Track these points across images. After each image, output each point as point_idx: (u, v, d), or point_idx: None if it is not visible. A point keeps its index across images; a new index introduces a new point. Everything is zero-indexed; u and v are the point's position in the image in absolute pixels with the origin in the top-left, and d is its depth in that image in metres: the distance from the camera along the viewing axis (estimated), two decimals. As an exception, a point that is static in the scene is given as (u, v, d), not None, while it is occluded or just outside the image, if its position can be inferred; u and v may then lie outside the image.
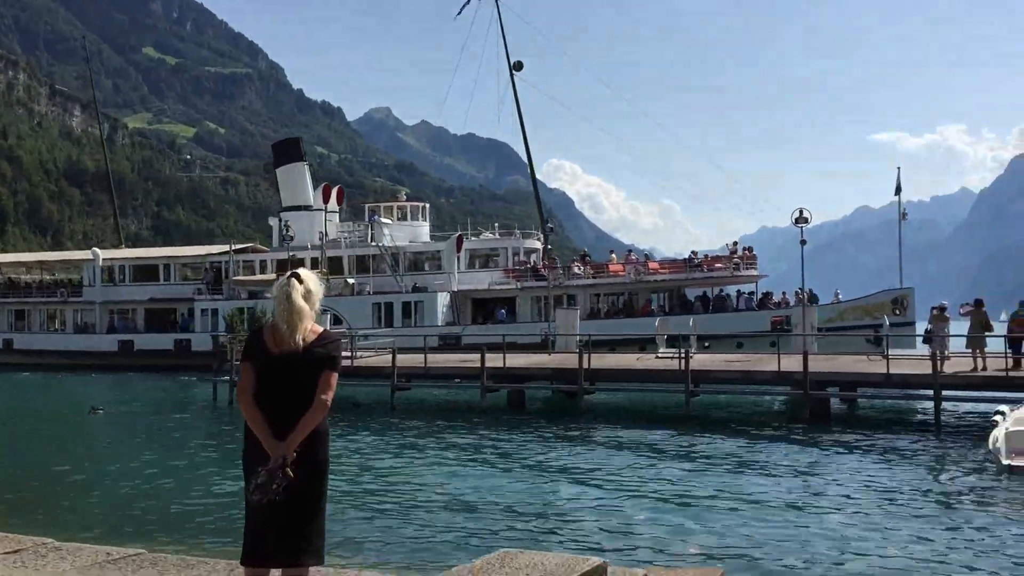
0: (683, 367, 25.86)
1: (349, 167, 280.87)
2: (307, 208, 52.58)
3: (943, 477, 16.75)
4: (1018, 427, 17.48)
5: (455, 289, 46.41)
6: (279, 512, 4.75)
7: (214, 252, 54.96)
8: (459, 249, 47.72)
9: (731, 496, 14.76)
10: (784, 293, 44.10)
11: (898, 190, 40.90)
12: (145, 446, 22.23)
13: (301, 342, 4.86)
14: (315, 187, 54.25)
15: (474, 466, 18.09)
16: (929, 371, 23.38)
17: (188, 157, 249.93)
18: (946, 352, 24.62)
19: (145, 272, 54.84)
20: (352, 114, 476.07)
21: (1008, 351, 24.21)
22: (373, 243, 48.91)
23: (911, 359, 26.53)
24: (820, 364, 26.50)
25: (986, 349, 24.83)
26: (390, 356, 29.97)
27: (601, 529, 12.55)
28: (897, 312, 38.29)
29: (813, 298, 43.41)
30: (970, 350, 25.07)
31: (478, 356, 28.37)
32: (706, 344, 36.41)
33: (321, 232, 49.40)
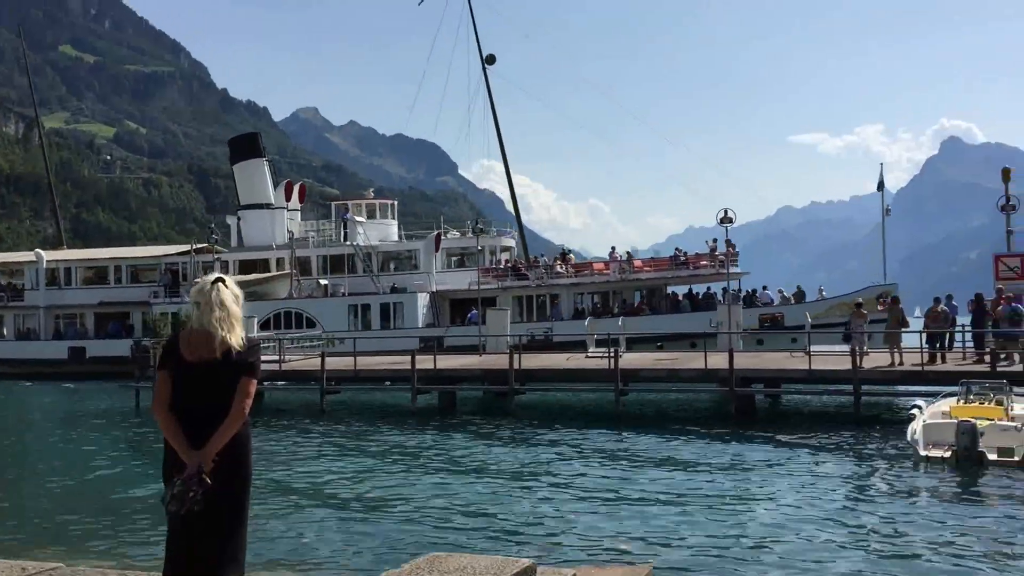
0: (612, 366, 26.11)
1: (276, 167, 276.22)
2: (267, 206, 50.37)
3: (865, 469, 17.22)
4: (934, 420, 18.09)
5: (434, 289, 45.08)
6: (199, 522, 4.65)
7: (170, 253, 52.45)
8: (437, 248, 46.26)
9: (659, 493, 14.93)
10: (765, 288, 44.30)
11: (880, 186, 41.52)
12: (60, 456, 21.56)
13: (237, 346, 4.74)
14: (275, 184, 52.05)
15: (403, 470, 17.96)
16: (849, 367, 24.04)
17: (108, 158, 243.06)
18: (864, 348, 25.30)
19: (94, 274, 52.20)
20: (279, 114, 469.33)
21: (924, 346, 25.05)
22: (347, 242, 47.25)
23: (832, 355, 27.21)
24: (745, 361, 27.01)
25: (902, 344, 25.64)
26: (319, 359, 29.64)
27: (531, 530, 12.56)
28: (881, 308, 37.79)
29: (801, 295, 43.70)
30: (887, 346, 25.87)
31: (407, 357, 28.27)
32: (692, 344, 36.50)
33: (290, 232, 48.24)
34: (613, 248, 48.18)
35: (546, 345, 37.97)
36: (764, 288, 44.53)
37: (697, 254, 45.96)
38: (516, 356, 27.58)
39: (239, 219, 51.49)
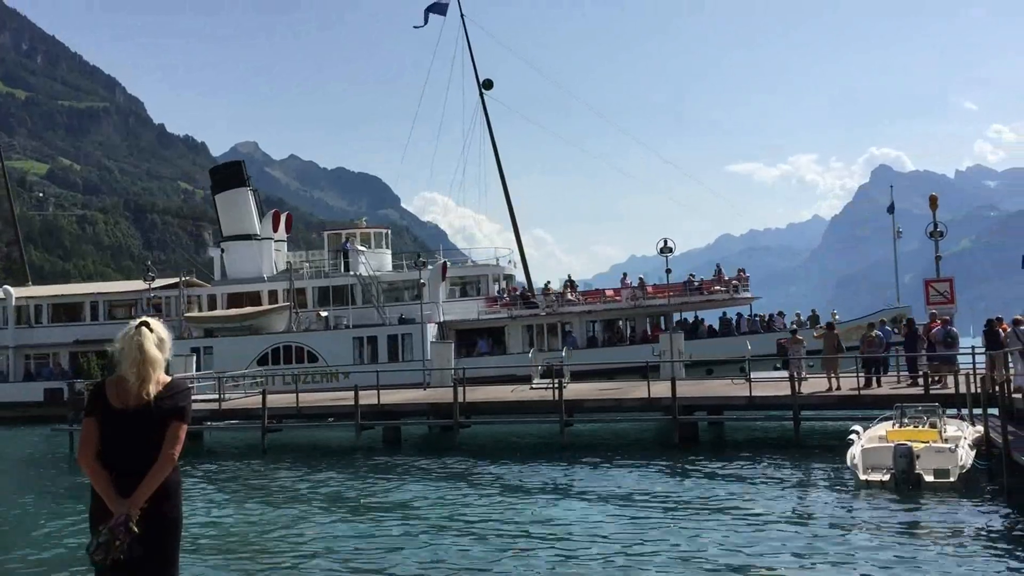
0: (557, 397, 26.14)
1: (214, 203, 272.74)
2: (252, 237, 48.59)
3: (808, 494, 17.43)
4: (872, 444, 18.42)
5: (441, 320, 43.73)
6: (129, 572, 4.52)
7: (153, 286, 49.73)
8: (444, 277, 44.83)
9: (603, 523, 14.91)
10: (781, 314, 43.36)
11: (891, 209, 41.57)
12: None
13: (153, 393, 4.67)
14: (262, 214, 50.07)
15: (345, 512, 17.57)
16: (788, 393, 24.41)
17: (41, 195, 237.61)
18: (803, 374, 25.74)
19: (68, 311, 49.48)
20: (217, 149, 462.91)
21: (860, 371, 25.57)
22: (350, 273, 45.87)
23: (772, 382, 27.63)
24: (688, 389, 27.26)
25: (839, 369, 26.16)
26: (260, 397, 29.13)
27: (470, 568, 12.41)
28: (897, 331, 35.50)
29: (815, 319, 42.29)
30: (824, 371, 26.37)
31: (351, 393, 27.97)
32: (709, 370, 35.91)
33: (288, 263, 47.08)
34: (625, 274, 46.46)
35: (560, 374, 36.92)
36: (779, 313, 43.81)
37: (709, 279, 44.76)
38: (460, 389, 27.45)
39: (223, 251, 49.46)
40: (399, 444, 27.87)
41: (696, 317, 44.61)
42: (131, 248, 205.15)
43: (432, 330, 42.83)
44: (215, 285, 49.16)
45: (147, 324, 4.86)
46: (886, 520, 14.62)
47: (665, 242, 38.02)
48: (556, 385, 26.62)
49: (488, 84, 52.55)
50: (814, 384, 26.13)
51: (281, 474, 23.05)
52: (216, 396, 30.98)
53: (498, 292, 45.74)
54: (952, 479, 16.68)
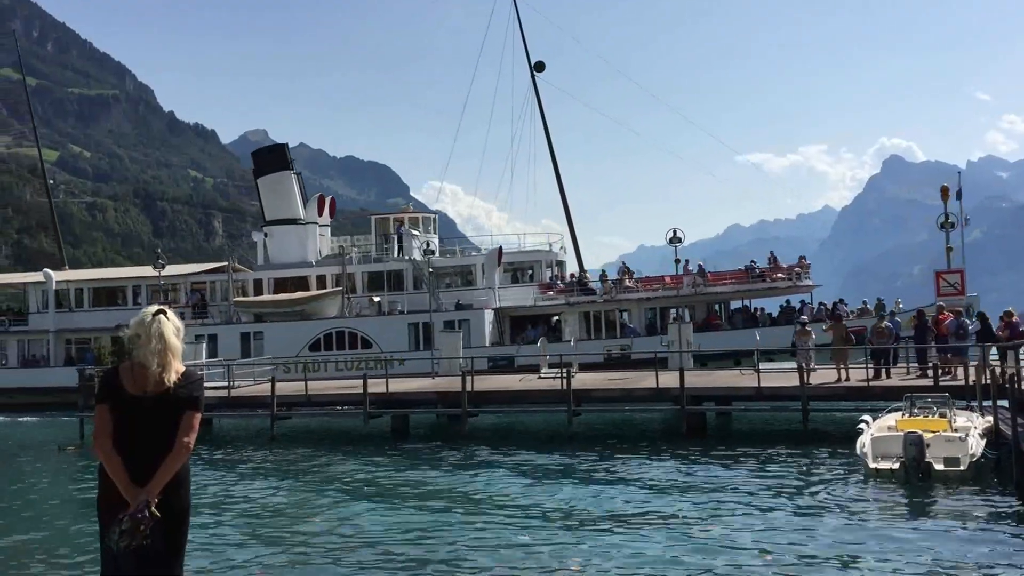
0: (565, 387, 26.15)
1: (224, 191, 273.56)
2: (295, 222, 47.92)
3: (817, 483, 17.38)
4: (881, 433, 18.41)
5: (497, 306, 43.17)
6: (138, 564, 4.55)
7: (197, 271, 49.43)
8: (499, 262, 43.84)
9: (611, 514, 14.93)
10: (843, 302, 42.03)
11: (959, 195, 40.33)
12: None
13: (173, 381, 4.69)
14: (305, 198, 49.19)
15: (354, 500, 17.59)
16: (797, 383, 24.38)
17: (51, 182, 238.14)
18: (811, 364, 25.67)
19: (109, 295, 48.87)
20: (227, 136, 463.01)
21: (869, 362, 25.50)
22: (404, 258, 45.29)
23: (780, 372, 27.55)
24: (696, 379, 27.22)
25: (848, 360, 26.08)
26: (269, 385, 29.22)
27: (481, 555, 12.46)
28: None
29: (881, 307, 40.38)
30: (834, 363, 26.30)
31: (360, 381, 28.03)
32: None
33: (341, 247, 46.67)
34: (687, 261, 44.15)
35: (621, 362, 36.05)
36: (841, 301, 42.43)
37: (773, 266, 43.45)
38: (469, 379, 27.48)
39: (266, 235, 48.85)
40: (407, 433, 27.93)
41: (748, 305, 43.48)
42: (141, 235, 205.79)
43: (489, 316, 42.08)
44: (260, 270, 48.48)
45: (164, 312, 4.89)
46: (895, 509, 14.62)
47: (674, 232, 37.89)
48: (564, 375, 26.61)
49: (540, 66, 51.43)
50: (823, 375, 26.09)
51: (288, 462, 23.14)
52: (225, 384, 31.08)
53: (550, 278, 44.92)
54: (962, 468, 16.65)
